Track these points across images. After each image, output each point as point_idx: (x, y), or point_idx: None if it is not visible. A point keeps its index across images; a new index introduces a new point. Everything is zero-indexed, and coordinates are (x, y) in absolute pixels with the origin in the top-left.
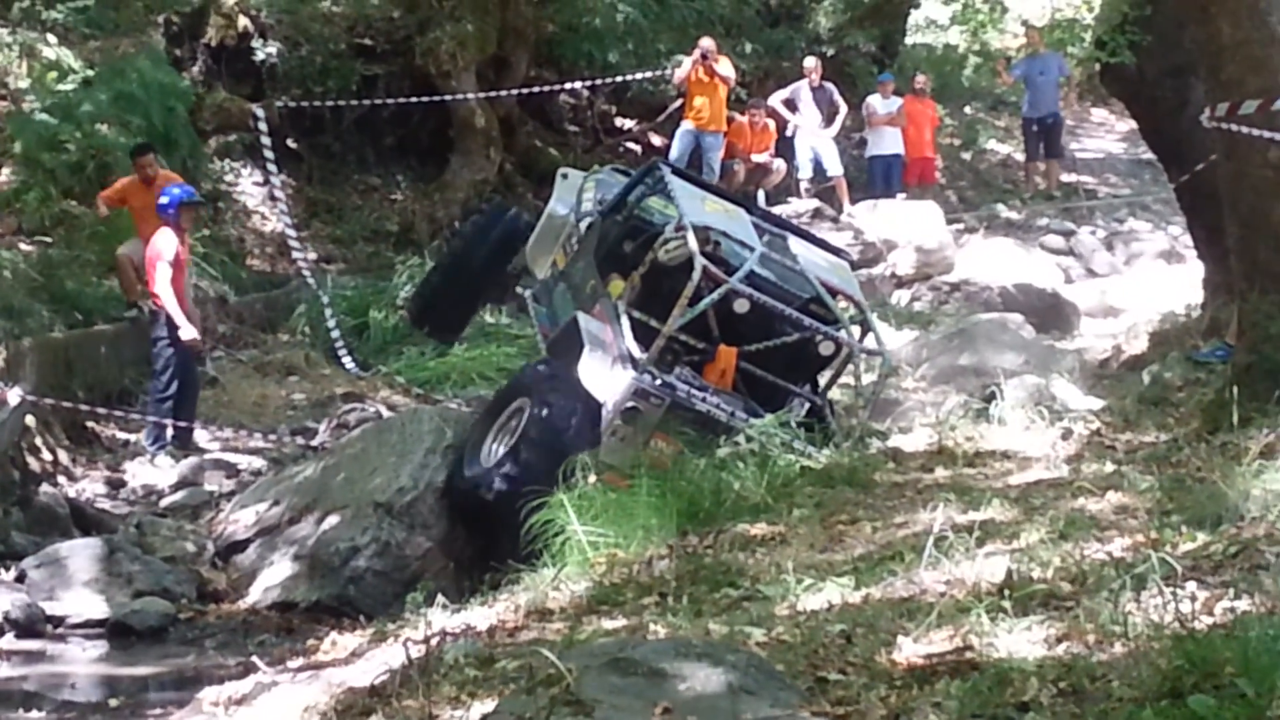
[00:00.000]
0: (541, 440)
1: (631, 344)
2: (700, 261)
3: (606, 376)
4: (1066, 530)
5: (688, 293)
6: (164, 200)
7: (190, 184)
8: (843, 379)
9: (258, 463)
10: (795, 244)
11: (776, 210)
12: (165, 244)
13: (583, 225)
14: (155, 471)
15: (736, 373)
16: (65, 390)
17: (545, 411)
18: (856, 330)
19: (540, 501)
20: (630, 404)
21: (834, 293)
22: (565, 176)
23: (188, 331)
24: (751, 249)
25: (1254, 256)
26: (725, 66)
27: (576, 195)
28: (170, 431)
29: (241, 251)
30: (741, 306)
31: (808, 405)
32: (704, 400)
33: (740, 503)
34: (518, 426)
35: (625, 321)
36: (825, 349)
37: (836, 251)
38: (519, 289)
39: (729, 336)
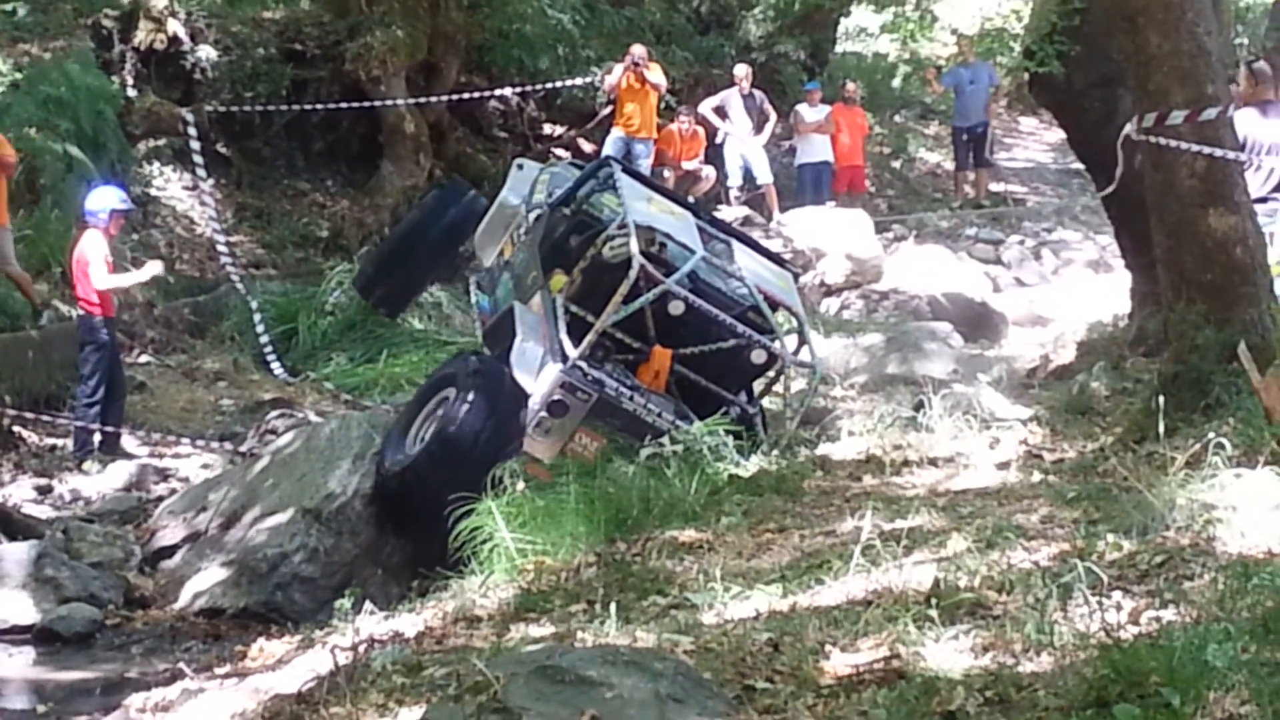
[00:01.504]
0: (463, 429)
1: (564, 337)
2: (638, 260)
3: (535, 367)
4: (993, 539)
5: (623, 290)
6: (94, 207)
7: (120, 188)
8: (774, 387)
9: (186, 468)
10: (740, 252)
11: None
12: (94, 248)
13: (532, 216)
14: (83, 477)
15: (671, 375)
16: None
17: (468, 400)
18: (793, 341)
19: (468, 508)
20: (557, 397)
21: (774, 304)
22: (521, 167)
23: (148, 271)
24: (693, 252)
25: (1181, 267)
26: (656, 74)
27: (530, 187)
28: (97, 437)
29: (170, 256)
30: (676, 308)
31: (739, 412)
32: (631, 399)
33: (668, 510)
34: (442, 415)
35: (561, 314)
36: (758, 358)
37: (781, 262)
38: (467, 273)
39: (667, 339)
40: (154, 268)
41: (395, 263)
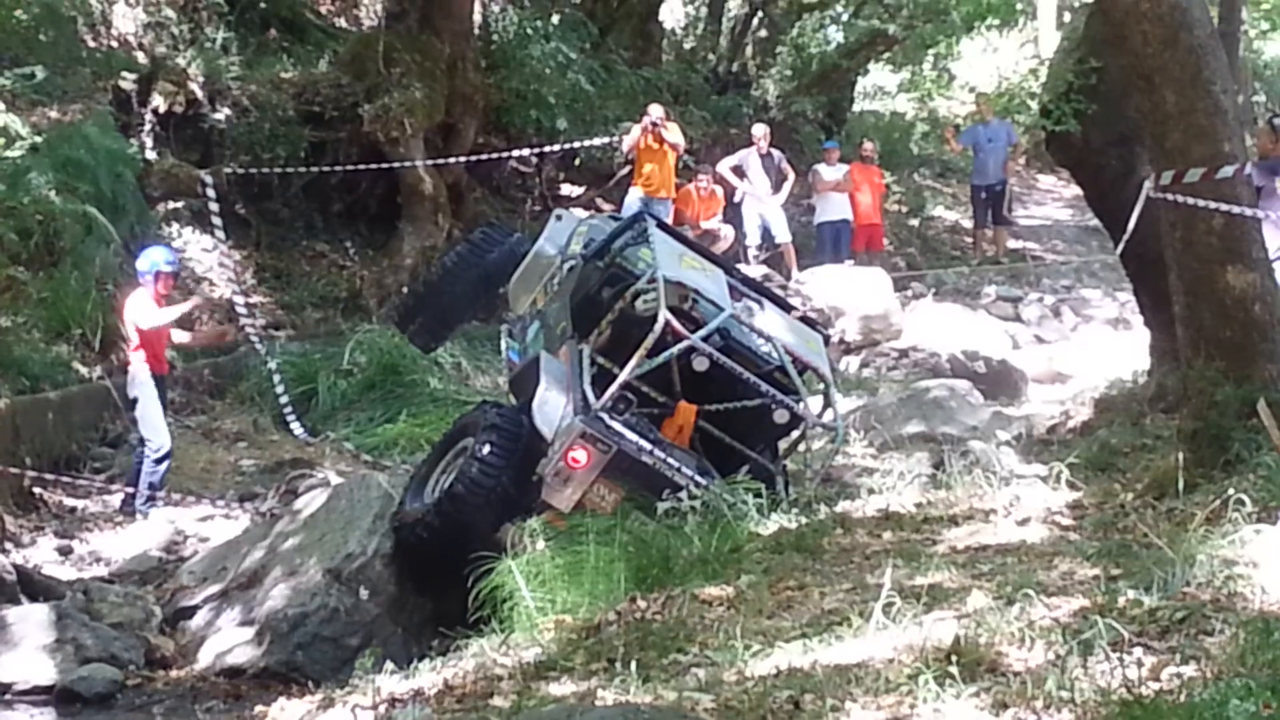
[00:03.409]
0: (480, 476)
1: (588, 388)
2: (664, 315)
3: (557, 417)
4: (1014, 595)
5: (647, 344)
6: (141, 267)
7: (139, 250)
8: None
9: (206, 529)
10: (770, 312)
11: None
12: (138, 302)
13: (566, 267)
14: (103, 537)
15: (695, 431)
16: (12, 457)
17: (486, 449)
18: (818, 401)
19: (488, 566)
20: (576, 447)
21: (802, 365)
22: (559, 218)
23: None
24: (722, 310)
25: (1199, 323)
26: (674, 134)
27: (567, 238)
28: (161, 492)
29: (187, 319)
30: (701, 365)
31: (761, 469)
32: (651, 453)
33: (689, 567)
34: (460, 465)
35: (587, 365)
36: (781, 417)
37: (812, 324)
38: (502, 317)
39: (693, 395)
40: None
41: (435, 297)
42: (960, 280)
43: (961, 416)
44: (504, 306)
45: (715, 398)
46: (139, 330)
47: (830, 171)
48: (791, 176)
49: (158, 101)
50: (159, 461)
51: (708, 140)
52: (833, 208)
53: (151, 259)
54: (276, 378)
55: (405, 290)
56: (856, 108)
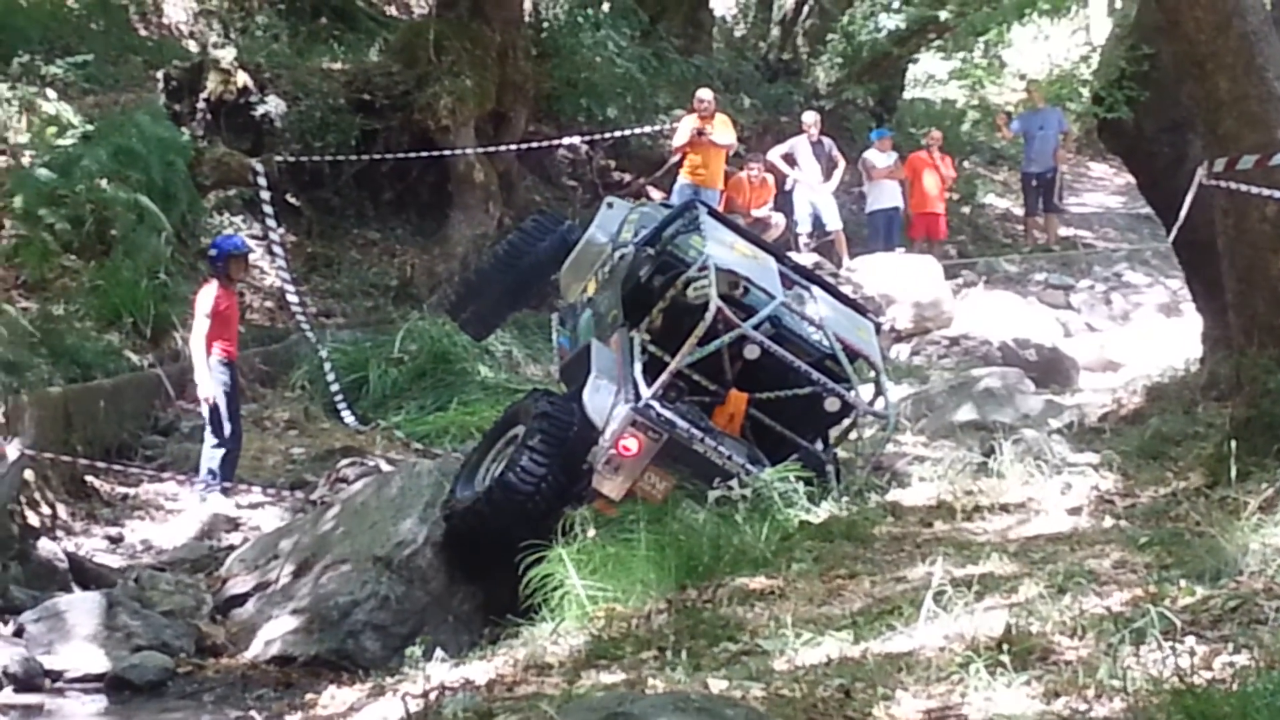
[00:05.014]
0: (531, 465)
1: (639, 376)
2: (716, 303)
3: (608, 405)
4: (1065, 584)
5: (698, 332)
6: (212, 252)
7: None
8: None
9: (257, 517)
10: (821, 300)
11: None
12: (204, 300)
13: (617, 255)
14: (154, 525)
15: (746, 420)
16: (64, 445)
17: (537, 437)
18: (869, 389)
19: (538, 555)
20: (627, 435)
21: (853, 353)
22: (611, 205)
23: (204, 389)
24: (773, 298)
25: (1252, 311)
26: (723, 134)
27: (618, 226)
28: (219, 475)
29: (240, 306)
30: (752, 353)
31: (813, 458)
32: (702, 441)
33: (739, 556)
34: (509, 455)
35: (638, 353)
36: (832, 405)
37: (863, 311)
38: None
39: (744, 383)
40: (206, 390)
41: (486, 285)
42: (1011, 268)
43: (1012, 405)
44: (555, 294)
45: (766, 386)
46: (208, 317)
47: (882, 159)
48: (842, 164)
49: (209, 90)
50: (218, 446)
51: (758, 128)
52: (884, 195)
53: (221, 247)
54: (327, 366)
55: (457, 278)
56: (907, 95)
